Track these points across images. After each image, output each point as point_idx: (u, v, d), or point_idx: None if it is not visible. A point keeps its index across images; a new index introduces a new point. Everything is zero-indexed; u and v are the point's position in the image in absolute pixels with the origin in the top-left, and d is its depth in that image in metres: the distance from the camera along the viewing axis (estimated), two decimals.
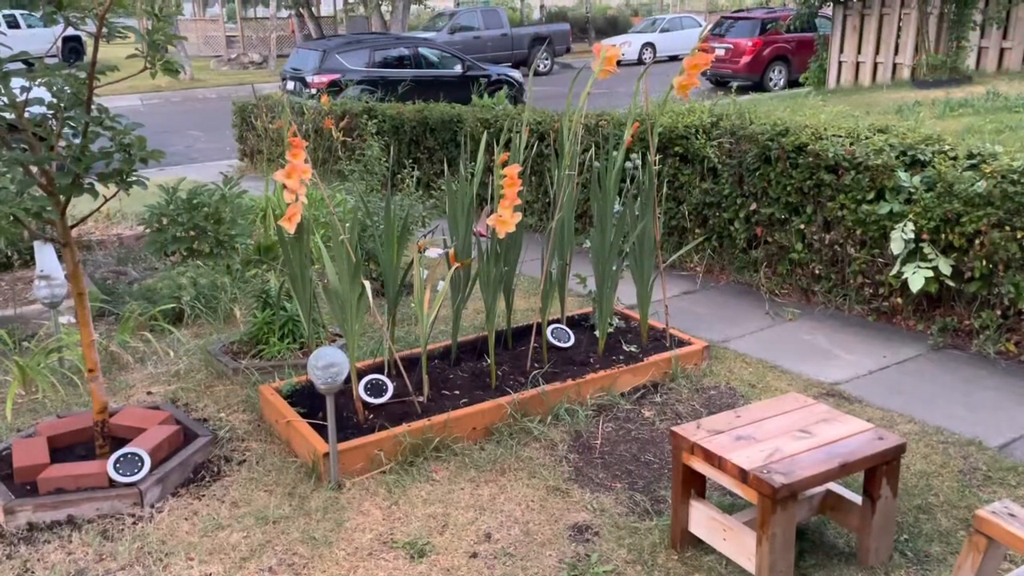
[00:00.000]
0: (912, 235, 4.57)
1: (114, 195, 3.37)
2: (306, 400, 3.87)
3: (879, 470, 2.75)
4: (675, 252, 6.21)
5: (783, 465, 2.62)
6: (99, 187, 3.34)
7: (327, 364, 3.22)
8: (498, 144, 4.16)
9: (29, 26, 29.86)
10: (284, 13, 31.60)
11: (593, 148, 5.48)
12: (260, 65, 28.70)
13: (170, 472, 3.41)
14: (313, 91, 14.36)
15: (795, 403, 3.04)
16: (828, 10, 15.80)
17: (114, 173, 3.24)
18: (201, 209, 5.86)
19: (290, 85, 15.36)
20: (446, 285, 3.80)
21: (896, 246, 4.60)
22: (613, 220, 4.12)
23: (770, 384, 4.23)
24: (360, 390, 3.80)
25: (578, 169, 4.30)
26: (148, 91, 23.85)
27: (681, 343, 4.46)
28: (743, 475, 2.62)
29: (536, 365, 4.17)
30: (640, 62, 26.69)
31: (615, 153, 4.23)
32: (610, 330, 4.57)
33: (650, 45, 26.95)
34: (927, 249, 4.57)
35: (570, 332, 4.44)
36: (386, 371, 4.03)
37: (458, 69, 16.01)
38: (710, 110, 6.21)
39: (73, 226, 3.41)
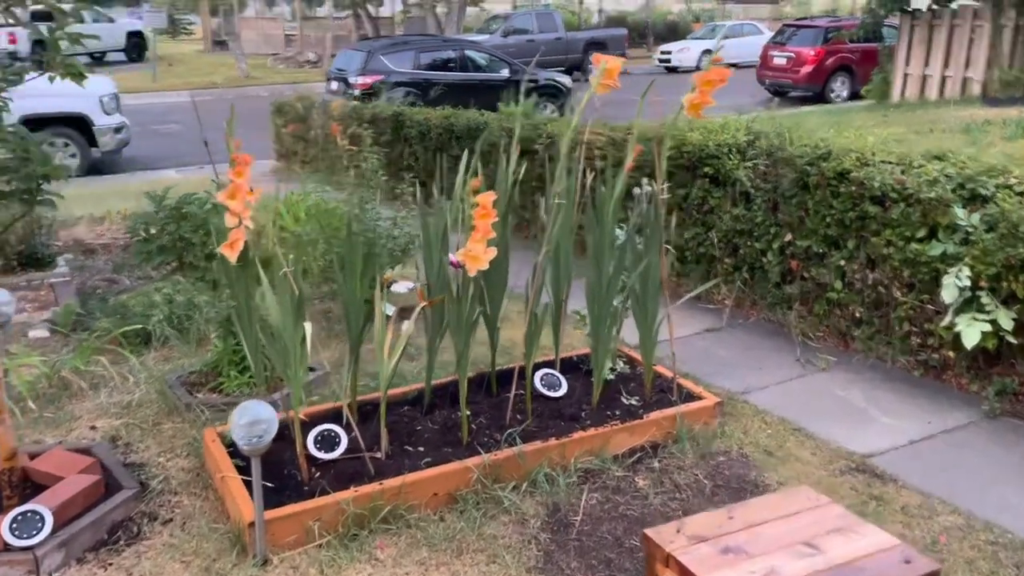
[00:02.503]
0: (968, 282, 3.93)
1: (23, 215, 2.96)
2: None
3: None
4: (701, 283, 5.63)
5: None
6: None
7: (251, 421, 2.75)
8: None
9: (94, 20, 30.31)
10: (343, 13, 31.57)
11: (605, 167, 4.93)
12: (315, 64, 28.65)
13: (78, 533, 2.98)
14: (356, 92, 14.08)
15: (804, 502, 2.47)
16: (896, 19, 14.91)
17: (16, 192, 2.82)
18: (189, 219, 5.47)
19: (334, 86, 15.11)
20: (410, 325, 3.30)
21: (948, 294, 3.96)
22: (613, 253, 3.58)
23: (790, 452, 3.64)
24: (309, 443, 3.33)
25: (579, 192, 3.76)
26: (203, 87, 23.95)
27: (690, 396, 3.89)
28: None
29: (519, 417, 3.64)
30: (698, 69, 25.85)
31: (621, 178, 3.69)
32: (610, 377, 4.02)
33: (709, 52, 26.13)
34: (985, 299, 3.92)
35: (562, 379, 3.90)
36: (345, 420, 3.55)
37: (505, 73, 15.53)
38: (747, 127, 5.61)
39: None
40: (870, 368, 4.48)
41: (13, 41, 26.47)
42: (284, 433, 3.32)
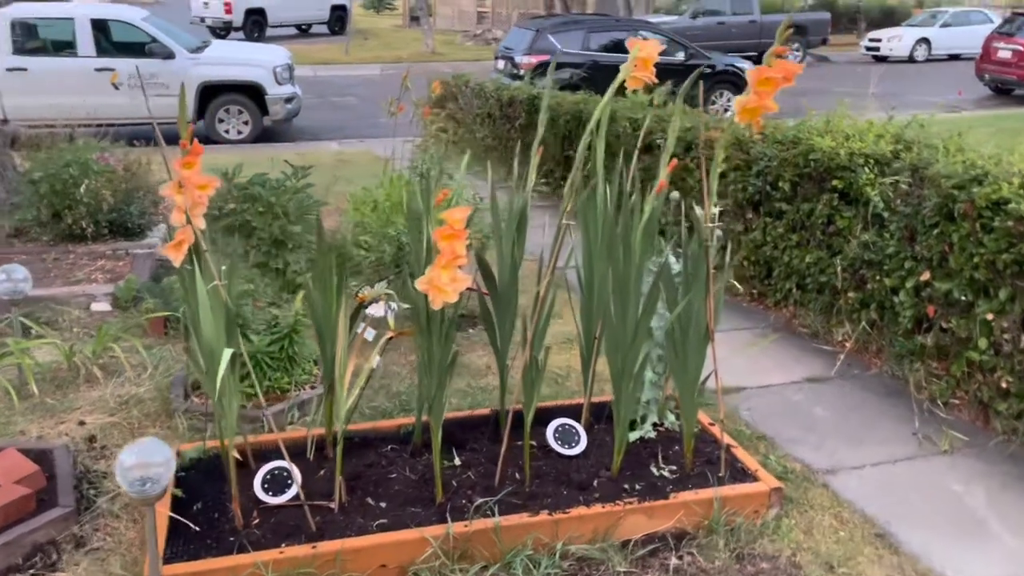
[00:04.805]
0: None
1: None
2: (205, 476, 3.00)
3: None
4: (822, 316, 4.70)
5: None
6: None
7: (139, 464, 2.31)
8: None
9: None
10: None
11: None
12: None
13: None
14: (521, 72, 13.65)
15: None
16: None
17: None
18: (257, 200, 5.18)
19: (500, 64, 14.79)
20: (373, 358, 2.75)
21: None
22: (640, 290, 2.84)
23: (860, 571, 2.77)
24: (257, 483, 2.86)
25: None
26: (391, 61, 24.43)
27: (742, 474, 3.09)
28: None
29: (517, 476, 3.01)
30: (911, 60, 23.42)
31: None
32: (651, 435, 3.29)
33: (925, 41, 23.57)
34: None
35: (581, 433, 3.21)
36: (310, 451, 3.06)
37: (680, 56, 14.54)
38: (897, 134, 4.58)
39: None
40: (1009, 459, 3.45)
41: (229, 11, 28.26)
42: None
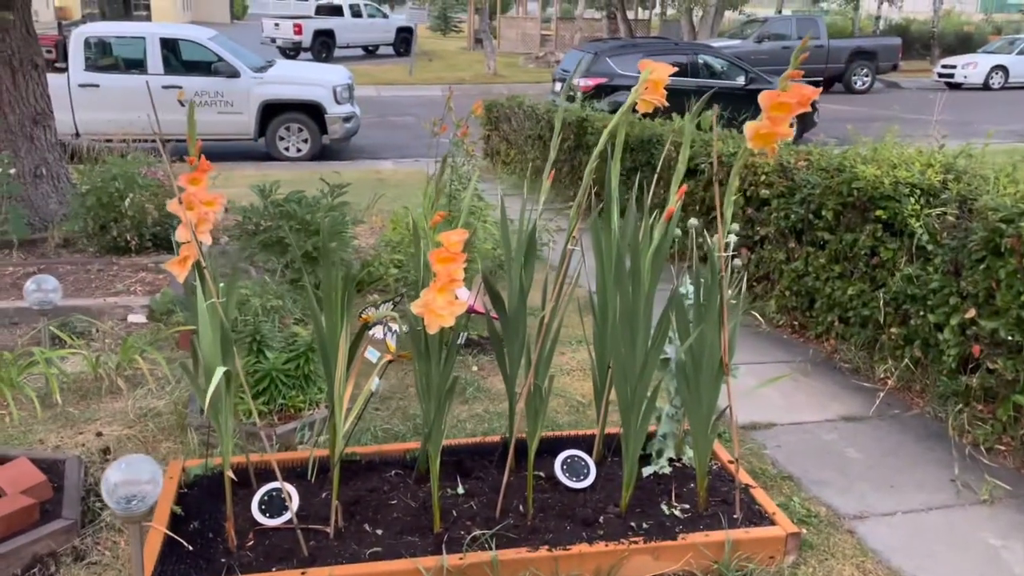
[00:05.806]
0: None
1: None
2: (207, 494, 2.98)
3: None
4: (865, 352, 4.49)
5: None
6: None
7: (122, 480, 2.29)
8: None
9: (370, 16, 32.45)
10: (597, 14, 31.30)
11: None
12: None
13: None
14: (578, 94, 13.63)
15: None
16: None
17: None
18: (291, 217, 5.21)
19: (558, 87, 14.80)
20: (373, 381, 2.69)
21: None
22: (649, 320, 2.72)
23: None
24: (254, 504, 2.82)
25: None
26: (453, 82, 24.63)
27: (757, 517, 2.93)
28: None
29: (520, 509, 2.91)
30: (986, 87, 22.70)
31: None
32: (666, 470, 3.15)
33: (1001, 68, 22.81)
34: None
35: (591, 465, 3.09)
36: (311, 472, 3.02)
37: (740, 80, 14.32)
38: (947, 163, 4.37)
39: None
40: None
41: (299, 32, 28.97)
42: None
